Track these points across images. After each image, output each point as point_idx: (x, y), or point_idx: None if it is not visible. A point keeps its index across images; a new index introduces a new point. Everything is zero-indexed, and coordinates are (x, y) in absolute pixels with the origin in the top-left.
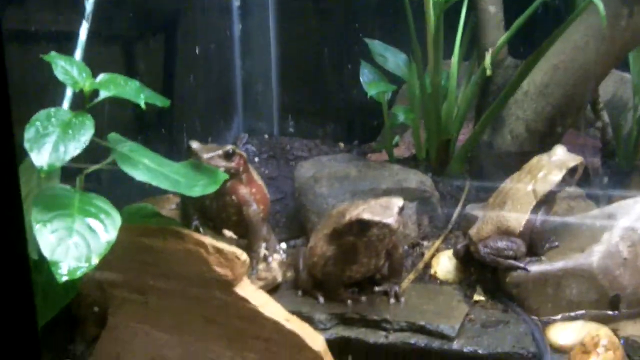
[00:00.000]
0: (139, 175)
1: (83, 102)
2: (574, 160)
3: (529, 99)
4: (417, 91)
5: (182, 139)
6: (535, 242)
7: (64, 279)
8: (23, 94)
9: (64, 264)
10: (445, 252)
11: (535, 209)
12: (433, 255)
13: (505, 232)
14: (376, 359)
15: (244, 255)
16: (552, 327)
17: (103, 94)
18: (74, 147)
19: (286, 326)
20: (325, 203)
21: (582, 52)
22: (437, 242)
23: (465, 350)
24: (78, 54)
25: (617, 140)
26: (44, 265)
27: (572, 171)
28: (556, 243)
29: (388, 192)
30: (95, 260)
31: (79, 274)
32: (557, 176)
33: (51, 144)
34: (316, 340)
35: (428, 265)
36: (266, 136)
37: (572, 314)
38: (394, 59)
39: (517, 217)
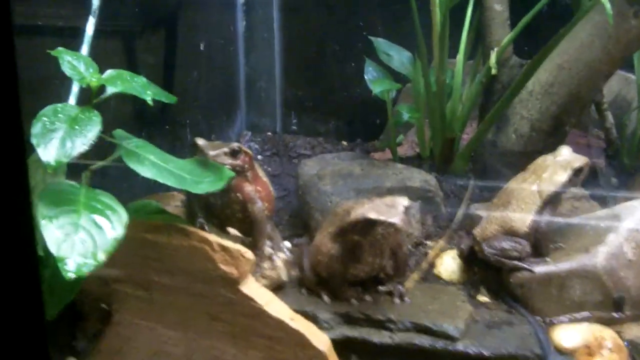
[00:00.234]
0: (145, 171)
1: (89, 97)
2: (579, 160)
3: (533, 98)
4: (422, 89)
5: (185, 135)
6: (539, 243)
7: (71, 275)
8: (28, 89)
9: (71, 260)
10: (449, 252)
11: (540, 210)
12: (437, 255)
13: (509, 233)
14: (380, 359)
15: (249, 253)
16: (556, 329)
17: (110, 90)
18: (81, 143)
19: (291, 325)
20: (329, 201)
21: (587, 51)
22: (441, 242)
23: (469, 351)
24: (84, 49)
25: (622, 140)
26: (50, 261)
27: (577, 172)
28: (561, 244)
29: (392, 191)
30: (102, 257)
31: (85, 270)
32: (562, 177)
33: (58, 139)
34: (321, 340)
35: (432, 265)
36: (269, 133)
37: (577, 315)
38: (398, 57)
39: (522, 218)
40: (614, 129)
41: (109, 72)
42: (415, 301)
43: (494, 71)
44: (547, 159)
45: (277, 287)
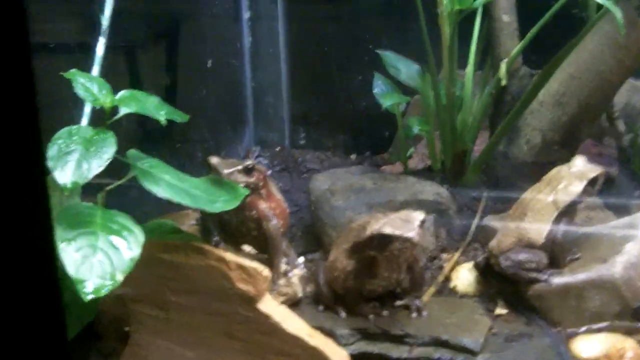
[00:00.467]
0: (161, 191)
1: (103, 118)
2: (594, 170)
3: (544, 109)
4: (432, 102)
5: (195, 152)
6: (556, 254)
7: (90, 297)
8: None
9: (89, 282)
10: (464, 265)
11: (557, 221)
12: (452, 268)
13: (526, 245)
14: None
15: (266, 271)
16: (576, 340)
17: (123, 111)
18: (97, 165)
19: (309, 342)
20: (342, 216)
21: (598, 61)
22: (456, 255)
23: None
24: (95, 70)
25: (633, 148)
26: (66, 282)
27: (592, 182)
28: (578, 254)
29: (404, 205)
30: (119, 278)
31: (103, 292)
32: (577, 187)
33: (74, 161)
34: (339, 356)
35: (448, 279)
36: (277, 148)
37: (596, 326)
38: (406, 70)
39: (538, 229)
40: (626, 137)
41: (122, 93)
42: (433, 315)
43: (503, 82)
44: (561, 170)
45: (293, 304)
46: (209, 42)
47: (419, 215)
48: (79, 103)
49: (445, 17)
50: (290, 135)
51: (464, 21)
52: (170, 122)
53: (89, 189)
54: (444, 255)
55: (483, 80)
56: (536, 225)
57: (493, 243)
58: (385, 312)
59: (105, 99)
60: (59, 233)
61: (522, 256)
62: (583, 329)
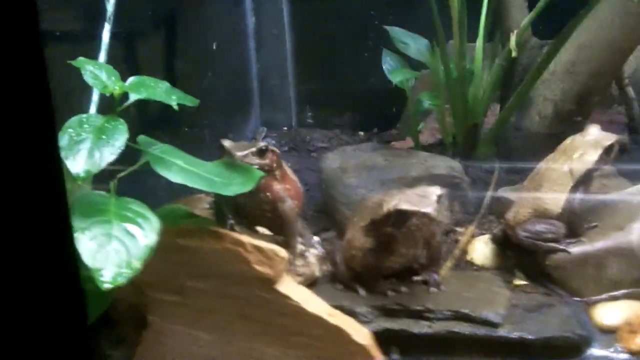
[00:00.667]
0: (174, 176)
1: (113, 105)
2: (609, 138)
3: (556, 79)
4: (442, 76)
5: (204, 136)
6: (574, 223)
7: (107, 286)
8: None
9: (106, 271)
10: (480, 238)
11: (573, 190)
12: (468, 242)
13: (543, 215)
14: (421, 349)
15: (283, 252)
16: (596, 308)
17: (133, 97)
18: (109, 153)
19: (330, 321)
20: (354, 194)
21: (608, 29)
22: (472, 228)
23: (512, 336)
24: (102, 56)
25: None
26: (82, 271)
27: (608, 150)
28: (595, 223)
29: (418, 180)
30: (137, 265)
31: (120, 280)
32: (593, 156)
33: (86, 150)
34: (361, 334)
35: (464, 252)
36: (285, 128)
37: (615, 293)
38: (415, 45)
39: (555, 199)
40: (635, 104)
41: (131, 80)
42: (452, 289)
43: (514, 54)
44: (576, 139)
45: (311, 284)
46: (212, 24)
47: (435, 190)
48: (86, 91)
49: None
50: (296, 114)
51: None
52: (179, 107)
53: (99, 177)
54: (459, 229)
55: (492, 52)
56: (553, 196)
57: (509, 215)
58: (403, 289)
59: (115, 86)
60: (73, 222)
61: (540, 227)
62: (603, 296)
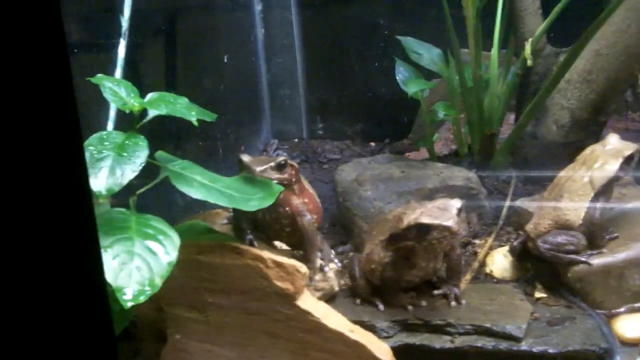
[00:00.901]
0: (195, 193)
1: (132, 122)
2: (629, 147)
3: (572, 87)
4: (456, 85)
5: (217, 149)
6: (595, 234)
7: (130, 304)
8: None
9: (129, 289)
10: (499, 250)
11: (594, 200)
12: (487, 254)
13: (564, 227)
14: None
15: (303, 268)
16: (618, 320)
17: (152, 113)
18: (131, 170)
19: (351, 337)
20: (371, 206)
21: (624, 35)
22: (490, 240)
23: (534, 350)
24: (118, 72)
25: None
26: None
27: (628, 159)
28: (616, 234)
29: (434, 192)
30: (158, 283)
31: (142, 298)
32: (614, 165)
33: (107, 167)
34: (382, 350)
35: (482, 264)
36: (296, 140)
37: (637, 305)
38: (428, 55)
39: (576, 210)
40: None
41: (150, 95)
42: (472, 303)
43: (529, 62)
44: (595, 149)
45: (330, 298)
46: (223, 36)
47: (456, 203)
48: (102, 106)
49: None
50: (307, 125)
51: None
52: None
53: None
54: (477, 241)
55: (506, 61)
56: (573, 207)
57: (529, 226)
58: (423, 302)
59: (134, 102)
60: None
61: (561, 238)
62: (624, 308)
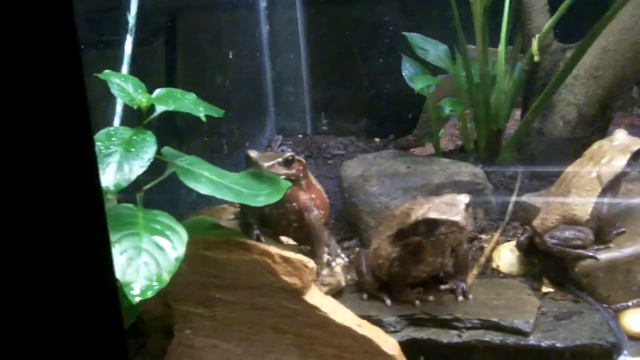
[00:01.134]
0: (203, 188)
1: (140, 117)
2: (636, 143)
3: (579, 83)
4: (463, 82)
5: (222, 145)
6: (602, 229)
7: (137, 299)
8: None
9: (136, 284)
10: (505, 245)
11: (601, 196)
12: (494, 249)
13: (571, 222)
14: (450, 359)
15: (311, 263)
16: (625, 315)
17: (159, 109)
18: (139, 166)
19: (358, 331)
20: (377, 202)
21: (631, 32)
22: (496, 235)
23: (542, 345)
24: (124, 68)
25: None
26: None
27: (635, 154)
28: (623, 229)
29: (440, 187)
30: (166, 278)
31: (150, 293)
32: (621, 161)
33: (115, 163)
34: (390, 344)
35: (489, 259)
36: (300, 136)
37: None
38: (434, 51)
39: (583, 206)
40: None
41: (158, 92)
42: (479, 297)
43: (537, 58)
44: (603, 145)
45: (337, 293)
46: (228, 33)
47: (463, 198)
48: (109, 102)
49: None
50: (311, 121)
51: None
52: (196, 117)
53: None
54: (483, 236)
55: (512, 56)
56: (581, 202)
57: (537, 222)
58: (431, 297)
59: (142, 98)
60: None
61: (568, 233)
62: (631, 303)
